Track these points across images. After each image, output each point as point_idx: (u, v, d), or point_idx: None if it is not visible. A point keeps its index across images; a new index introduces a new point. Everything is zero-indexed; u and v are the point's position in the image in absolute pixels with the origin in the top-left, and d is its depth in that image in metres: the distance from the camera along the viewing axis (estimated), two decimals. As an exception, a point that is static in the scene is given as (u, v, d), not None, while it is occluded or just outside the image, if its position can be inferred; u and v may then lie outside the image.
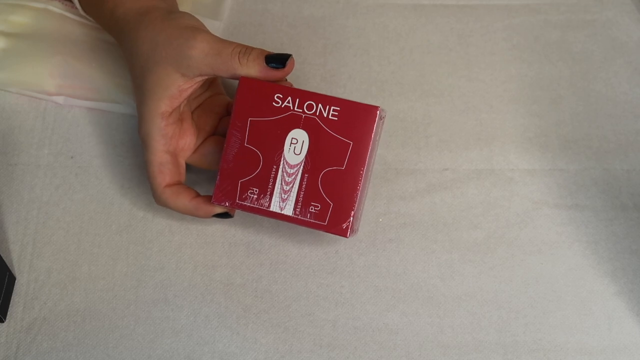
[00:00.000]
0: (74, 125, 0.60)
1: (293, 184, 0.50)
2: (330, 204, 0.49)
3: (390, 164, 0.59)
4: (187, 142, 0.54)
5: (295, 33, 0.65)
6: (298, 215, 0.50)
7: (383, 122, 0.52)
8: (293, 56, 0.51)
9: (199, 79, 0.51)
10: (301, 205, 0.50)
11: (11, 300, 0.53)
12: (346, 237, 0.49)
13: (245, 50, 0.50)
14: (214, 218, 0.53)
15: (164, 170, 0.52)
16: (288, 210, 0.50)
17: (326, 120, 0.49)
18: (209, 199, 0.52)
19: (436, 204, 0.58)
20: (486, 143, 0.61)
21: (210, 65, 0.50)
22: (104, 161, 0.59)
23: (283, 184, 0.50)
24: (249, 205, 0.50)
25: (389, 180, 0.59)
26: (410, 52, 0.64)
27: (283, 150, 0.50)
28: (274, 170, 0.50)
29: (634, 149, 0.61)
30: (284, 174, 0.50)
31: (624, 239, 0.57)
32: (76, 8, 0.60)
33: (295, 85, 0.62)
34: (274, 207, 0.50)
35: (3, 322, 0.52)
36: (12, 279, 0.53)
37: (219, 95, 0.57)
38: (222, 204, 0.51)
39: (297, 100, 0.50)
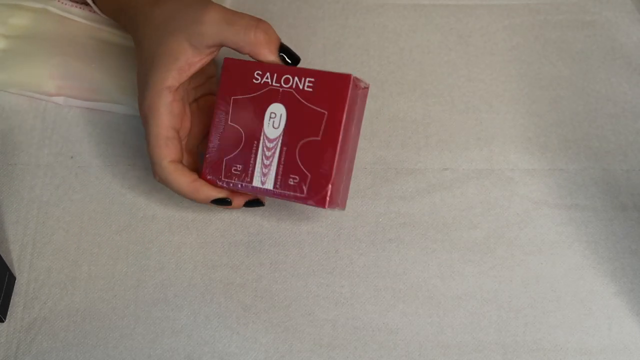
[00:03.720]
0: (74, 125, 0.60)
1: (272, 158, 0.50)
2: (308, 175, 0.49)
3: (390, 164, 0.59)
4: (196, 129, 0.55)
5: (295, 33, 0.65)
6: (278, 189, 0.50)
7: (365, 93, 0.52)
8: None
9: (208, 51, 0.51)
10: (281, 178, 0.50)
11: (11, 300, 0.53)
12: (324, 207, 0.49)
13: (258, 25, 0.50)
14: (213, 204, 0.52)
15: (170, 145, 0.51)
16: (269, 184, 0.50)
17: (302, 92, 0.50)
18: (207, 184, 0.52)
19: (436, 204, 0.58)
20: (486, 143, 0.61)
21: (221, 34, 0.50)
22: (104, 161, 0.59)
23: (263, 158, 0.50)
24: (233, 183, 0.51)
25: (389, 180, 0.59)
26: (410, 52, 0.64)
27: (263, 125, 0.50)
28: (254, 145, 0.50)
29: (633, 149, 0.61)
30: (264, 148, 0.50)
31: (624, 239, 0.57)
32: (87, 4, 0.61)
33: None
34: (256, 182, 0.50)
35: (3, 322, 0.52)
36: (12, 278, 0.53)
37: (212, 95, 0.57)
38: (210, 178, 0.51)
39: (275, 75, 0.50)
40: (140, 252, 0.55)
